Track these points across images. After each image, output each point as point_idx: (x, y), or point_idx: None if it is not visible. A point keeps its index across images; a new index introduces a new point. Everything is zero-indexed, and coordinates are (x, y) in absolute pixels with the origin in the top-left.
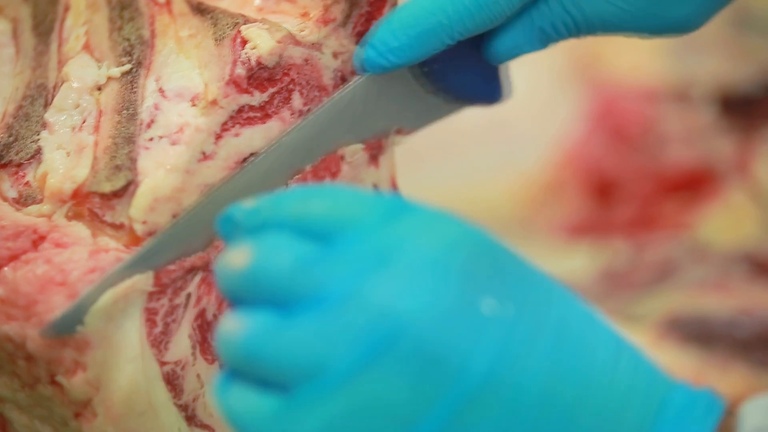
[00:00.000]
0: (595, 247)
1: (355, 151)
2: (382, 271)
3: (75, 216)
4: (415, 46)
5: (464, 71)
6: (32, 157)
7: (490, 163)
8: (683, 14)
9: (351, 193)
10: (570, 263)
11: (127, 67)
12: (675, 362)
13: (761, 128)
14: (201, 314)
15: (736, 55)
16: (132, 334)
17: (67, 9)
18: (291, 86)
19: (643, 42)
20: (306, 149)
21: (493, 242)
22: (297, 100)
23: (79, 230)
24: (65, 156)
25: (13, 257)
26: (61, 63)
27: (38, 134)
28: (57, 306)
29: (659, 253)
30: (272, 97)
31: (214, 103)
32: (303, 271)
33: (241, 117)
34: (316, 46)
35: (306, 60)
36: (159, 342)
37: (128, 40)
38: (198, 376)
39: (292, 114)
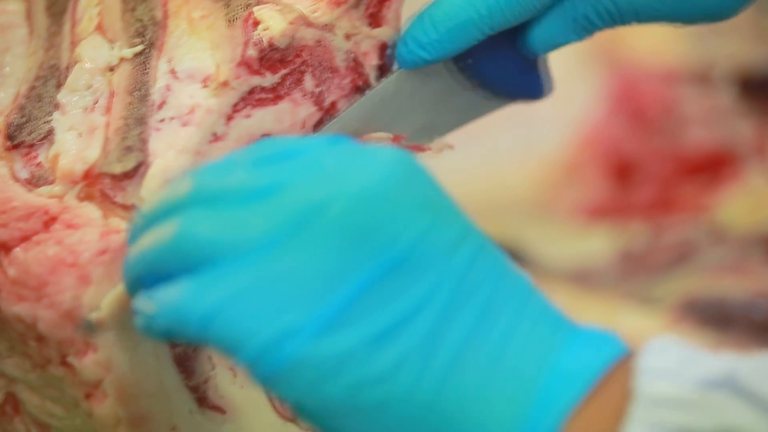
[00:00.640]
0: (614, 229)
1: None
2: (312, 169)
3: (86, 197)
4: (448, 41)
5: (502, 66)
6: (44, 137)
7: (510, 145)
8: (719, 1)
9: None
10: (588, 245)
11: (140, 48)
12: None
13: None
14: None
15: (757, 38)
16: None
17: None
18: (303, 68)
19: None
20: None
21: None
22: (309, 82)
23: (91, 211)
24: (77, 137)
25: (25, 238)
26: (73, 44)
27: (50, 115)
28: (68, 287)
29: (677, 235)
30: (284, 78)
31: (225, 84)
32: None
33: (252, 98)
34: (328, 27)
35: (318, 41)
36: None
37: (141, 20)
38: (209, 357)
39: (304, 95)
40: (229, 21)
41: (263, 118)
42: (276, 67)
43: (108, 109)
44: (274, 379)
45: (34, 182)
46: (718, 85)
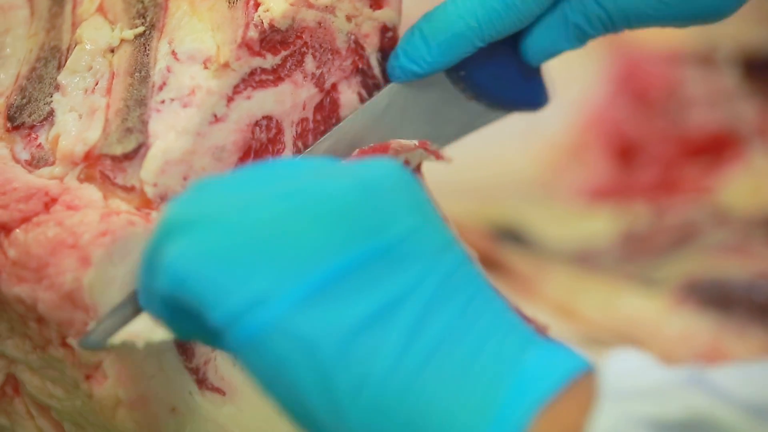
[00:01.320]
0: (616, 211)
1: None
2: (309, 169)
3: (87, 178)
4: (447, 50)
5: (503, 75)
6: (45, 119)
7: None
8: (717, 1)
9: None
10: (591, 226)
11: (141, 29)
12: (693, 326)
13: None
14: None
15: (760, 20)
16: None
17: None
18: (304, 49)
19: None
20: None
21: None
22: (310, 63)
23: (91, 192)
24: (77, 118)
25: (25, 219)
26: (74, 25)
27: (51, 96)
28: (68, 269)
29: (680, 216)
30: (285, 60)
31: (226, 65)
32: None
33: (253, 80)
34: (329, 8)
35: (319, 23)
36: None
37: (142, 2)
38: None
39: (305, 77)
40: (230, 2)
41: (264, 99)
42: (277, 49)
43: (108, 91)
44: (245, 348)
45: (34, 163)
46: (721, 67)
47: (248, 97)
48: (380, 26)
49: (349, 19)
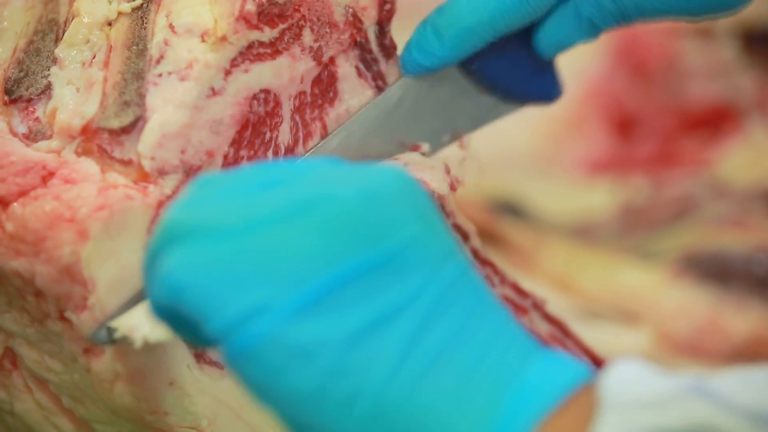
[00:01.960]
0: (615, 184)
1: None
2: (311, 173)
3: (84, 152)
4: (458, 44)
5: (515, 68)
6: (42, 92)
7: None
8: None
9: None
10: (590, 199)
11: (138, 2)
12: (692, 299)
13: None
14: None
15: None
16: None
17: None
18: (301, 22)
19: None
20: (355, 151)
21: None
22: (307, 37)
23: (89, 166)
24: (75, 91)
25: (22, 193)
26: None
27: (48, 69)
28: (66, 242)
29: (678, 189)
30: (282, 33)
31: (223, 39)
32: None
33: (250, 53)
34: None
35: None
36: None
37: None
38: None
39: (303, 50)
40: None
41: (261, 72)
42: (274, 22)
43: (106, 64)
44: (242, 359)
45: (31, 137)
46: (720, 39)
47: (246, 71)
48: None
49: None
